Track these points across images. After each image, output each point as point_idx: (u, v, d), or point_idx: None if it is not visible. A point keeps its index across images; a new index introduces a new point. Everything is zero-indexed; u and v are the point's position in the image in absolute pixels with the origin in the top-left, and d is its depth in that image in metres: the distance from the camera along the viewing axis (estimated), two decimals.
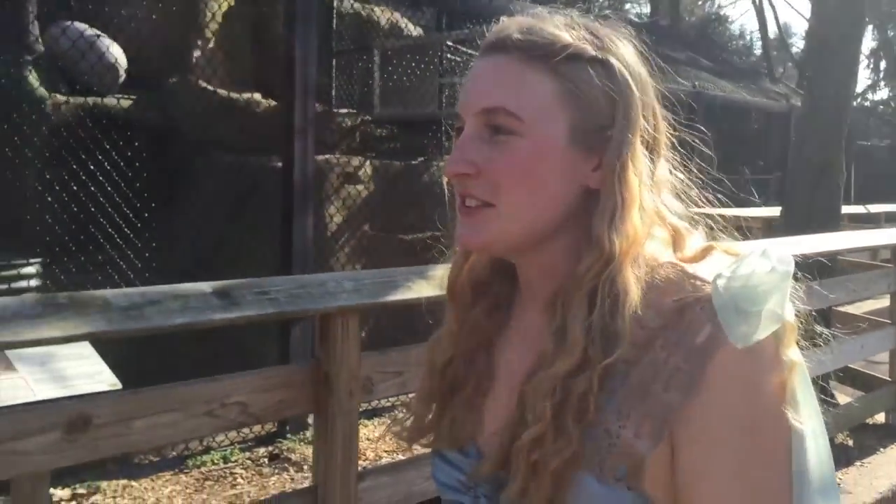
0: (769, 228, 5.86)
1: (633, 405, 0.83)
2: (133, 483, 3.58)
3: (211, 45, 6.81)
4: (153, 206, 5.48)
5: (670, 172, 0.95)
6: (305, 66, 4.01)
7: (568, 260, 0.90)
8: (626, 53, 0.90)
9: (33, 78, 5.60)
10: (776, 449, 0.81)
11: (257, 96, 6.49)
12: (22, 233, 5.13)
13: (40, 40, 5.80)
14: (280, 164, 5.66)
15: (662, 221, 0.92)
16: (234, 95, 6.34)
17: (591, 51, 0.88)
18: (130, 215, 5.39)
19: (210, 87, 6.29)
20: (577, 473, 0.83)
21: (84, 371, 2.68)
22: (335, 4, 7.36)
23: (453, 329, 1.00)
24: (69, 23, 6.02)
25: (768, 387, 0.81)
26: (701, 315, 0.82)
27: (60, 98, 5.65)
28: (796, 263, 0.85)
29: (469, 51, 6.40)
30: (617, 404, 0.83)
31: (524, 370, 0.90)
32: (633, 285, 0.85)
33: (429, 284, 2.26)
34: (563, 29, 0.89)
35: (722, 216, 0.99)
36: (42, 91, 5.60)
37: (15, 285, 4.45)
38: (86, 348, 2.77)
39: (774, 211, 6.35)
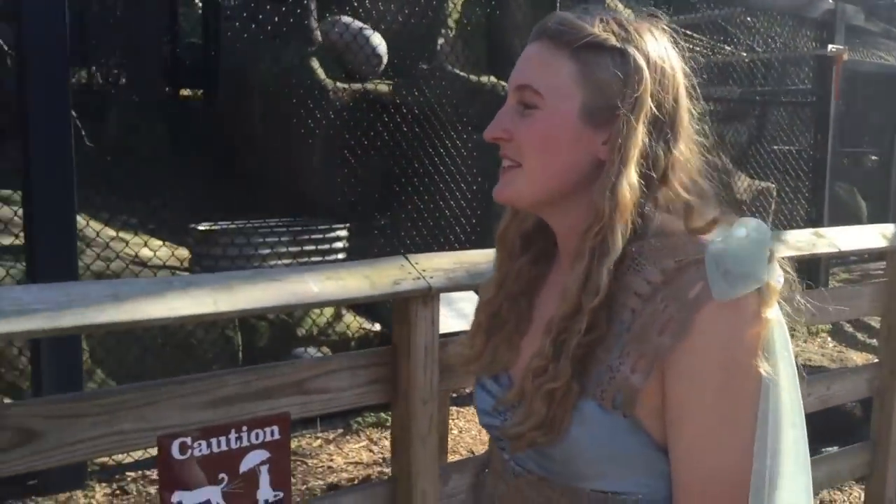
0: None
1: (633, 347, 0.98)
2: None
3: (452, 32, 7.50)
4: (419, 180, 6.22)
5: (705, 152, 1.10)
6: None
7: (585, 221, 1.03)
8: (649, 46, 1.03)
9: (315, 66, 6.45)
10: (745, 389, 0.95)
11: (493, 79, 7.13)
12: (319, 202, 5.99)
13: (318, 33, 6.64)
14: None
15: (676, 196, 1.04)
16: (476, 79, 7.00)
17: (611, 41, 1.01)
18: (401, 187, 6.16)
19: (457, 72, 6.98)
20: (583, 400, 1.00)
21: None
22: None
23: (498, 273, 1.17)
24: (339, 16, 6.84)
25: (744, 337, 0.94)
26: (696, 274, 0.95)
27: (338, 84, 6.47)
28: None
29: (696, 35, 6.78)
30: (621, 346, 0.99)
31: (552, 315, 1.05)
32: (618, 244, 0.99)
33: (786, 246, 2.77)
34: (593, 22, 1.03)
35: None
36: (323, 77, 6.44)
37: (331, 246, 5.27)
38: (470, 293, 3.46)
39: None
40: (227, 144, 6.73)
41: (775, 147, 7.24)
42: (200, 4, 8.57)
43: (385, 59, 6.86)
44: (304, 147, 6.23)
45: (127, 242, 4.70)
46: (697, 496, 0.97)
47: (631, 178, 0.99)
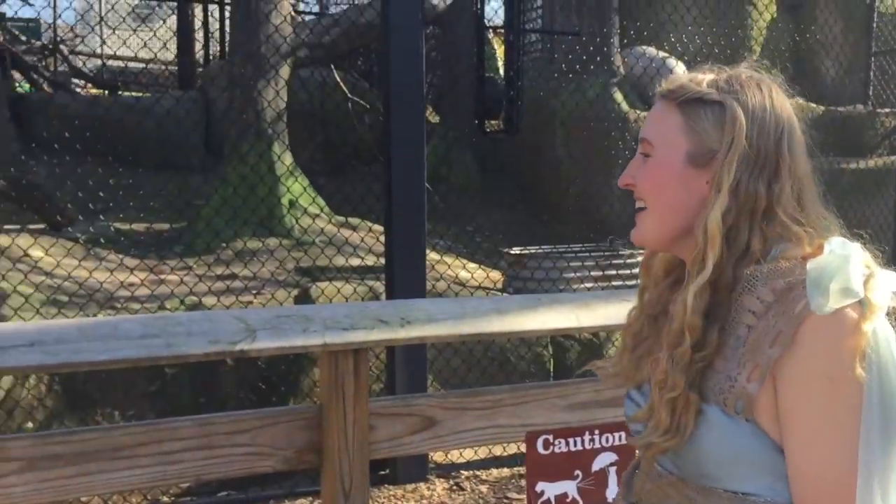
0: None
1: (749, 358, 1.10)
2: None
3: (756, 56, 7.37)
4: None
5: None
6: None
7: None
8: (749, 97, 1.16)
9: (618, 96, 6.66)
10: (847, 396, 1.04)
11: (800, 101, 6.89)
12: (621, 228, 6.17)
13: (621, 65, 6.85)
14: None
15: (783, 228, 1.15)
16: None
17: (712, 95, 1.17)
18: None
19: None
20: (709, 407, 1.12)
21: None
22: (876, 4, 7.47)
23: (640, 299, 1.31)
24: (640, 47, 7.00)
25: (844, 347, 1.05)
26: (802, 292, 1.07)
27: (639, 112, 6.63)
28: None
29: None
30: (738, 357, 1.11)
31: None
32: (708, 269, 1.12)
33: None
34: (700, 80, 1.19)
35: None
36: (625, 107, 6.64)
37: (634, 271, 5.42)
38: None
39: None
40: (531, 173, 7.13)
41: None
42: (502, 41, 9.13)
43: None
44: (606, 174, 6.44)
45: (449, 265, 5.18)
46: (803, 499, 1.08)
47: (724, 212, 1.13)
